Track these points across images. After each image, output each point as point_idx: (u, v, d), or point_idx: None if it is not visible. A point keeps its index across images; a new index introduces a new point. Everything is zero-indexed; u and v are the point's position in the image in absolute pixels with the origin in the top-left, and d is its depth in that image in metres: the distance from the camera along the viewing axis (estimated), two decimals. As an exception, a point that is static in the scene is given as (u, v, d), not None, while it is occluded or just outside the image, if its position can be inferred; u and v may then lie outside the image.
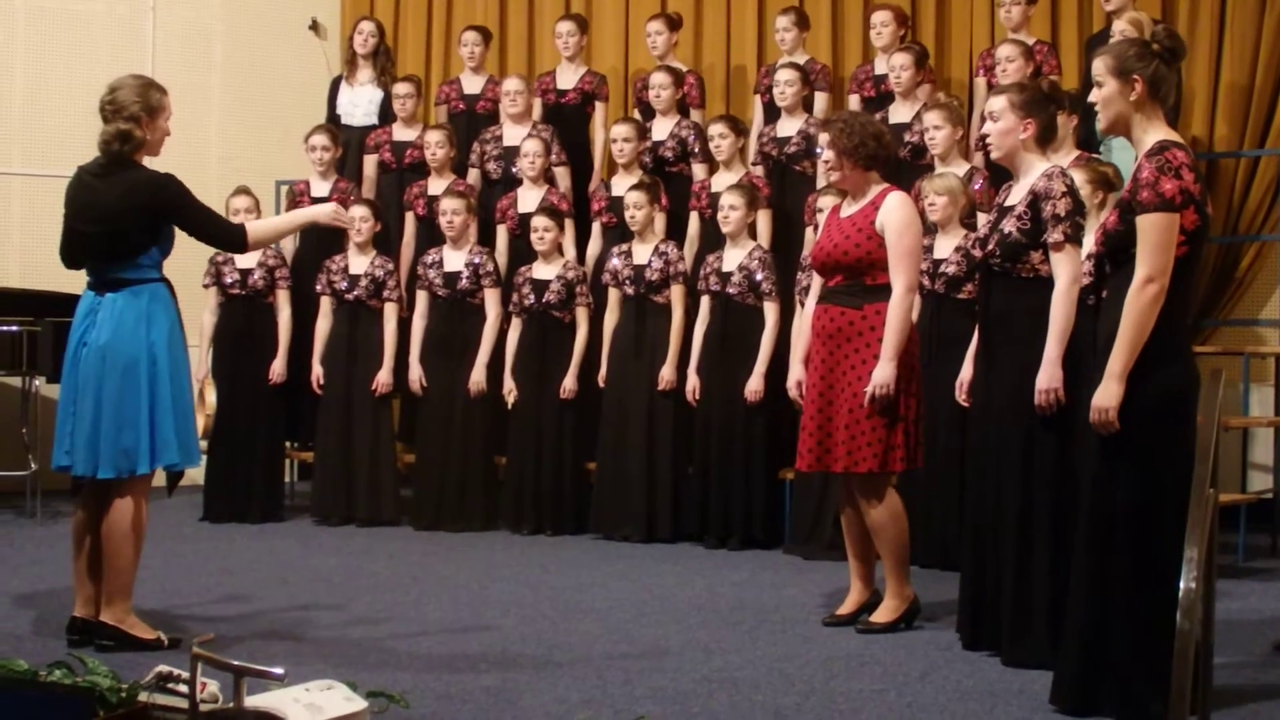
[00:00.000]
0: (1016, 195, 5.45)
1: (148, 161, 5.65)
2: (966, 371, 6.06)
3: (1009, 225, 5.36)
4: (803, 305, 7.94)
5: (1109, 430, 4.58)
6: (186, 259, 9.07)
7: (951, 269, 7.44)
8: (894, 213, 5.97)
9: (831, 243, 6.08)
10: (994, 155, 5.58)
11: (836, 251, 6.03)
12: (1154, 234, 4.53)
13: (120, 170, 5.53)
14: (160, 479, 5.70)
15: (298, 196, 9.60)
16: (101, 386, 5.45)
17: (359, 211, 9.00)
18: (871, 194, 6.07)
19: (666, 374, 8.36)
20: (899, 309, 5.90)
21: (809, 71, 9.10)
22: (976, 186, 7.78)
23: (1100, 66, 4.77)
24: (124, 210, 5.49)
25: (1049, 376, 5.20)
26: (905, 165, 8.29)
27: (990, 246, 5.41)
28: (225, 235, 5.73)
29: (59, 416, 5.61)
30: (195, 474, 9.31)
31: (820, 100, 9.15)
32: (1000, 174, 8.02)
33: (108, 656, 5.23)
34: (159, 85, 5.66)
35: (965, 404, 6.00)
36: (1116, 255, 4.70)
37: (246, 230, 5.75)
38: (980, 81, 9.01)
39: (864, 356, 5.94)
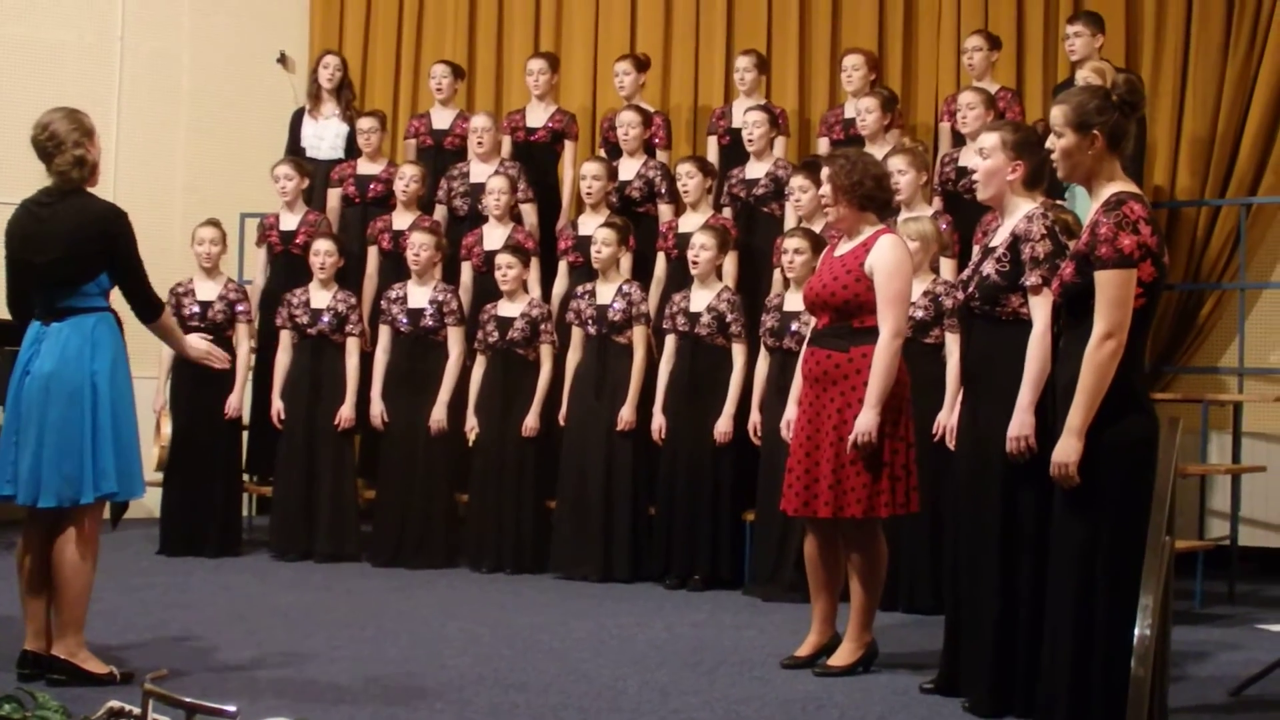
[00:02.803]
0: (999, 237, 5.39)
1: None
2: (952, 416, 6.00)
3: (989, 267, 5.30)
4: (768, 347, 7.98)
5: (1069, 484, 4.60)
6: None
7: (919, 313, 7.43)
8: (884, 255, 5.91)
9: (820, 283, 6.05)
10: (980, 195, 5.51)
11: (825, 292, 5.99)
12: (1112, 290, 4.56)
13: (73, 198, 5.55)
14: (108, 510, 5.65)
15: (267, 230, 9.60)
16: (45, 415, 5.42)
17: (324, 246, 8.99)
18: (864, 235, 6.01)
19: (626, 415, 8.35)
20: (884, 354, 5.83)
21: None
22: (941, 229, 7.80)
23: (1059, 117, 4.79)
24: (80, 237, 5.49)
25: (1020, 424, 5.10)
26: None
27: (971, 289, 5.36)
28: (147, 298, 5.69)
29: (1, 445, 5.56)
30: (152, 506, 9.32)
31: (779, 145, 9.16)
32: (963, 219, 8.10)
33: (59, 691, 5.20)
34: (83, 111, 5.66)
35: (951, 447, 5.91)
36: (1074, 305, 4.71)
37: (165, 311, 5.78)
38: (944, 126, 9.07)
39: (849, 400, 5.88)
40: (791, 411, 6.31)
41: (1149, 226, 4.61)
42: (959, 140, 8.65)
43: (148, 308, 5.70)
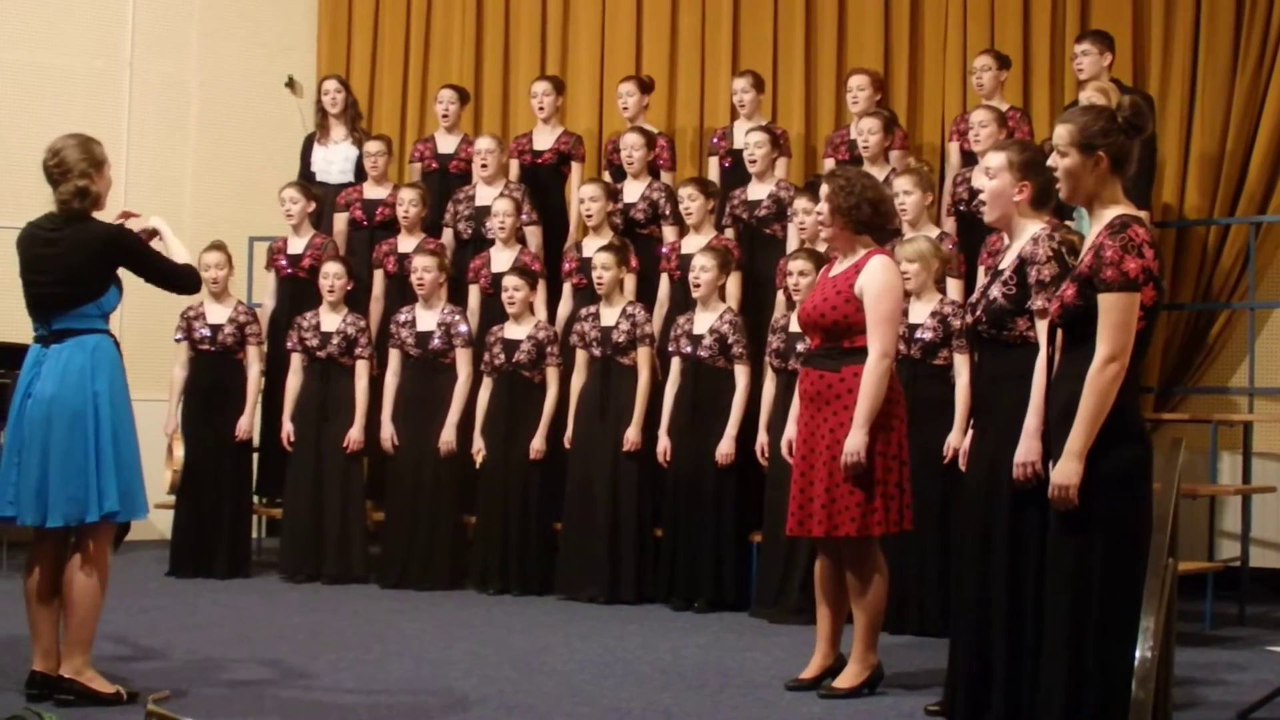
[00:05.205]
0: (1007, 260, 5.33)
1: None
2: (963, 439, 5.97)
3: (995, 291, 5.25)
4: (773, 368, 7.97)
5: (1067, 508, 4.57)
6: (159, 312, 9.12)
7: (928, 335, 7.40)
8: (874, 276, 5.91)
9: (812, 303, 6.06)
10: (987, 217, 5.46)
11: (815, 313, 6.00)
12: (1117, 313, 4.52)
13: (75, 224, 5.60)
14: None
15: (275, 253, 9.64)
16: (48, 437, 5.47)
17: (333, 269, 9.02)
18: (857, 256, 6.01)
19: (632, 435, 8.34)
20: (872, 375, 5.83)
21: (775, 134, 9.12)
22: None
23: (1065, 136, 4.72)
24: (82, 263, 5.56)
25: (1026, 450, 4.99)
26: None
27: (978, 312, 5.31)
28: (181, 277, 5.82)
29: (2, 467, 5.59)
30: (163, 528, 9.34)
31: (781, 166, 9.15)
32: (976, 239, 8.08)
33: (66, 711, 5.24)
34: (96, 140, 5.72)
35: (962, 469, 5.85)
36: (1073, 328, 4.68)
37: (196, 270, 5.91)
38: (953, 146, 9.05)
39: (841, 420, 5.88)
40: (791, 431, 6.31)
41: (1152, 250, 4.58)
42: (969, 159, 8.63)
43: (188, 283, 5.85)
